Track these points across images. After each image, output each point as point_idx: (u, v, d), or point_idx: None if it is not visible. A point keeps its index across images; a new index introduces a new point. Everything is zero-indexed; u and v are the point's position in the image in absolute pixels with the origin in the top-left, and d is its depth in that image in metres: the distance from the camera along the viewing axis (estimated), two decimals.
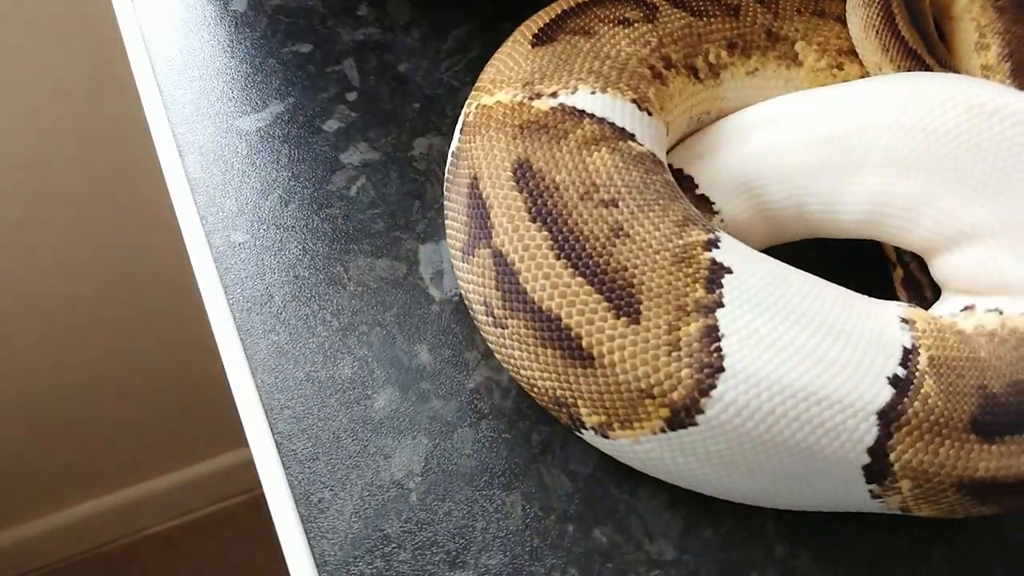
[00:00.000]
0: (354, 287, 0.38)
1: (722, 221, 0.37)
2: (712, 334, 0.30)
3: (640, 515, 0.34)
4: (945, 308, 0.35)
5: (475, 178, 0.34)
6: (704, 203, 0.37)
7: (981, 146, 0.33)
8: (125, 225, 0.96)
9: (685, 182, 0.38)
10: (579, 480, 0.34)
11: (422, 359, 0.36)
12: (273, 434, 0.34)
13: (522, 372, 0.33)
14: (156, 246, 0.96)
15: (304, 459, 0.34)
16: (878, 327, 0.32)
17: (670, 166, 0.38)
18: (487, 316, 0.34)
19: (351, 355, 0.36)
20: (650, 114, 0.36)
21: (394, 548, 0.32)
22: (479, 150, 0.34)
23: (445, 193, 0.36)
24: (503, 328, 0.33)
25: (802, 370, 0.30)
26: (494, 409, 0.36)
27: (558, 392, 0.32)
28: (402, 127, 0.43)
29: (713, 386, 0.30)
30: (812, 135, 0.36)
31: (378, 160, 0.42)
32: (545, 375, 0.32)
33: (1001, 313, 0.33)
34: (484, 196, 0.33)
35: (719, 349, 0.30)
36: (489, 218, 0.33)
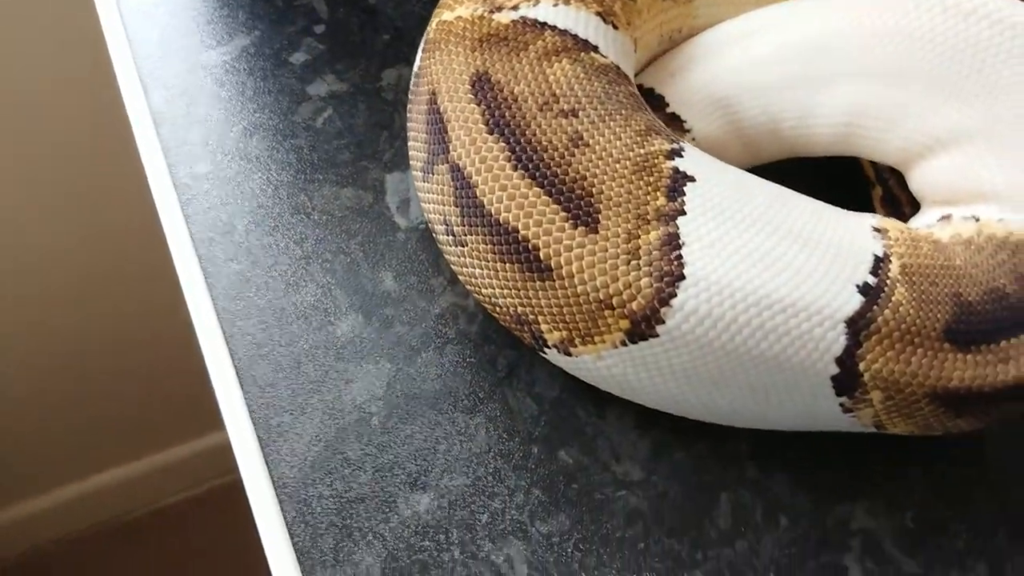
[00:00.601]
0: (318, 216, 0.37)
1: (694, 140, 0.36)
2: (673, 242, 0.29)
3: (607, 437, 0.33)
4: (922, 220, 0.33)
5: (433, 93, 0.33)
6: (675, 121, 0.36)
7: (958, 48, 0.32)
8: (92, 182, 0.92)
9: (656, 101, 0.37)
10: (545, 403, 0.34)
11: (387, 286, 0.36)
12: (233, 360, 0.33)
13: (483, 291, 0.33)
14: (125, 206, 0.93)
15: (264, 384, 0.33)
16: (848, 236, 0.31)
17: (640, 86, 0.37)
18: (448, 235, 0.33)
19: (314, 283, 0.36)
20: (616, 28, 0.34)
21: (354, 470, 0.32)
22: (438, 65, 0.33)
23: (407, 115, 0.35)
24: (463, 246, 0.32)
25: (766, 277, 0.29)
26: (459, 334, 0.35)
27: (519, 309, 0.32)
28: (371, 59, 0.42)
29: (673, 295, 0.29)
30: (784, 48, 0.35)
31: (346, 91, 0.41)
32: (505, 292, 0.31)
33: (978, 220, 0.31)
34: (442, 111, 0.32)
35: (680, 257, 0.29)
36: (447, 132, 0.32)
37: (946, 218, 0.32)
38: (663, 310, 0.29)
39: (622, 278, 0.29)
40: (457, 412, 0.33)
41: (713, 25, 0.38)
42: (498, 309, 0.33)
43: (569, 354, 0.32)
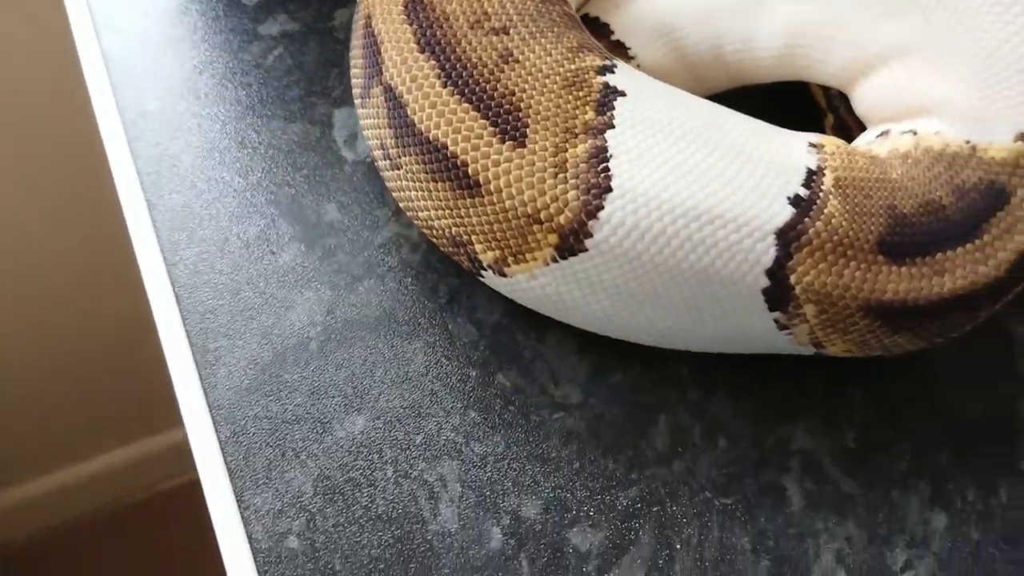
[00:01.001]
0: (265, 150, 0.37)
1: (638, 67, 0.36)
2: (600, 155, 0.29)
3: (546, 360, 0.33)
4: (863, 139, 0.33)
5: (368, 16, 0.33)
6: (619, 49, 0.36)
7: None
8: (44, 140, 0.88)
9: (601, 29, 0.36)
10: (485, 328, 0.33)
11: (331, 216, 0.36)
12: (173, 287, 0.33)
13: (420, 215, 0.32)
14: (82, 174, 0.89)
15: (203, 311, 0.33)
16: (783, 150, 0.30)
17: (586, 15, 0.37)
18: (385, 159, 0.33)
19: (258, 213, 0.36)
20: None
21: (290, 392, 0.32)
22: None
23: (350, 43, 0.35)
24: (398, 168, 0.32)
25: (695, 189, 0.29)
26: (401, 263, 0.35)
27: (453, 230, 0.31)
28: None
29: (600, 207, 0.29)
30: None
31: (297, 31, 0.41)
32: (439, 212, 0.31)
33: (915, 134, 0.31)
34: (376, 32, 0.32)
35: (607, 169, 0.29)
36: (380, 54, 0.32)
37: (884, 134, 0.32)
38: (590, 223, 0.29)
39: (549, 191, 0.29)
40: (396, 337, 0.33)
41: None
42: (435, 232, 0.32)
43: (504, 275, 0.31)
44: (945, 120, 0.30)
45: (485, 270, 0.32)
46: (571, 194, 0.29)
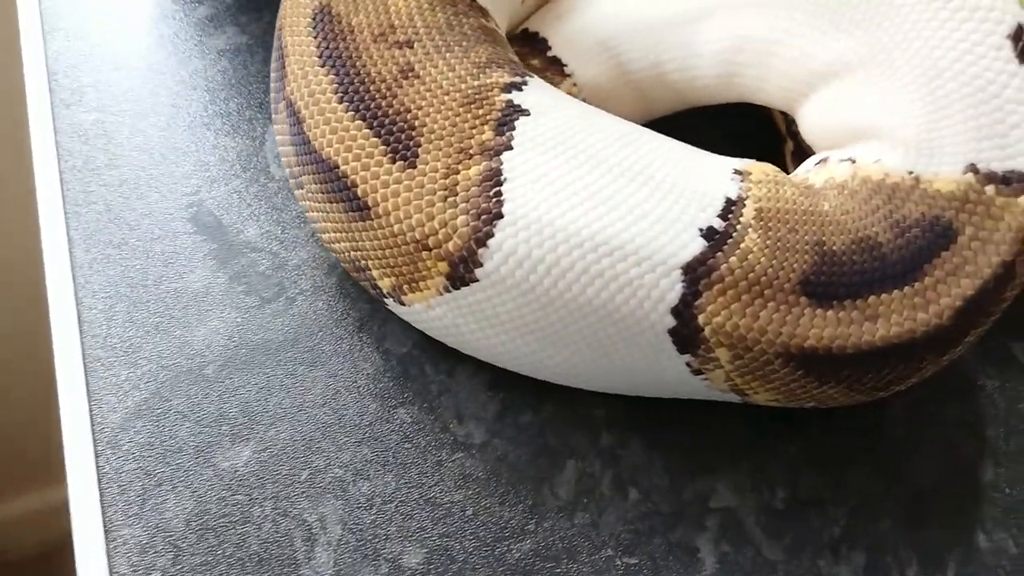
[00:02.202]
0: (194, 165, 0.36)
1: (575, 85, 0.34)
2: (493, 178, 0.27)
3: (454, 396, 0.31)
4: (803, 167, 0.30)
5: (280, 28, 0.31)
6: (555, 66, 0.34)
7: None
8: None
9: (539, 44, 0.34)
10: (392, 359, 0.31)
11: (249, 234, 0.34)
12: (78, 306, 0.32)
13: (324, 237, 0.31)
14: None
15: (100, 334, 0.32)
16: (701, 177, 0.28)
17: (526, 30, 0.35)
18: (291, 177, 0.31)
19: (177, 230, 0.34)
20: None
21: (177, 419, 0.30)
22: (288, 1, 0.32)
23: None
24: (301, 188, 0.30)
25: (594, 217, 0.26)
26: (314, 286, 0.33)
27: (352, 254, 0.30)
28: (275, 12, 0.41)
29: (490, 234, 0.26)
30: None
31: (245, 44, 0.40)
32: (338, 235, 0.30)
33: (854, 162, 0.28)
34: (284, 45, 0.31)
35: (499, 194, 0.27)
36: (285, 67, 0.30)
37: (823, 161, 0.29)
38: (480, 251, 0.27)
39: (438, 216, 0.27)
40: (297, 365, 0.31)
41: None
42: (339, 255, 0.31)
43: (403, 303, 0.29)
44: (887, 147, 0.27)
45: (386, 298, 0.30)
46: (460, 219, 0.27)
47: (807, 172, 0.29)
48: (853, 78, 0.28)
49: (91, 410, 0.30)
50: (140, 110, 0.38)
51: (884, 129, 0.27)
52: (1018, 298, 0.33)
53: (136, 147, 0.37)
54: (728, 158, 0.29)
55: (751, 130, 0.36)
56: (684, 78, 0.32)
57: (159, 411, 0.30)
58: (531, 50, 0.34)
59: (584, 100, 0.34)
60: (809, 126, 0.30)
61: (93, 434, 0.30)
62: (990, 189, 0.26)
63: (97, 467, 0.29)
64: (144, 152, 0.37)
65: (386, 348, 0.32)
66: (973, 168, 0.26)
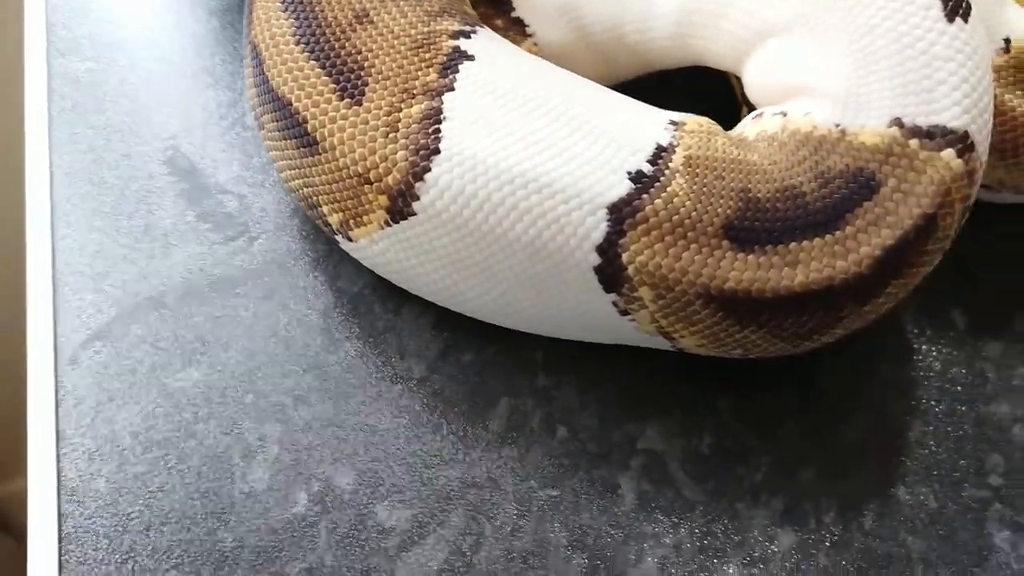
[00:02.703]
0: (171, 113, 0.38)
1: (536, 46, 0.35)
2: (434, 116, 0.28)
3: (398, 333, 0.32)
4: (742, 123, 0.31)
5: None
6: (518, 26, 0.35)
7: None
8: None
9: (504, 6, 0.35)
10: (344, 296, 0.33)
11: (219, 178, 0.36)
12: (53, 224, 0.34)
13: (282, 176, 0.32)
14: None
15: (73, 250, 0.34)
16: (635, 125, 0.29)
17: None
18: (255, 119, 0.33)
19: (149, 172, 0.36)
20: None
21: (135, 340, 0.32)
22: None
23: None
24: (262, 128, 0.32)
25: (525, 156, 0.27)
26: (276, 225, 0.34)
27: (305, 191, 0.31)
28: None
29: (428, 169, 0.28)
30: None
31: (236, 3, 0.42)
32: (293, 172, 0.31)
33: (785, 116, 0.29)
34: None
35: (438, 131, 0.28)
36: (252, 14, 0.32)
37: (758, 116, 0.30)
38: (417, 185, 0.28)
39: (379, 151, 0.28)
40: (252, 298, 0.33)
41: None
42: (296, 194, 0.32)
43: (351, 239, 0.31)
44: (818, 102, 0.28)
45: (337, 235, 0.31)
46: (400, 154, 0.28)
47: (743, 127, 0.30)
48: (790, 37, 0.29)
49: (55, 328, 0.32)
50: (130, 62, 0.40)
51: (816, 85, 0.28)
52: (955, 262, 0.33)
53: (123, 95, 0.39)
54: (668, 111, 0.30)
55: (717, 98, 0.36)
56: (642, 40, 0.33)
57: (119, 334, 0.32)
58: (496, 11, 0.35)
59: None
60: (750, 84, 0.31)
61: (55, 351, 0.31)
62: (914, 143, 0.27)
63: (56, 380, 0.31)
64: (130, 100, 0.38)
65: (339, 286, 0.33)
66: (898, 122, 0.27)
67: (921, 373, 0.31)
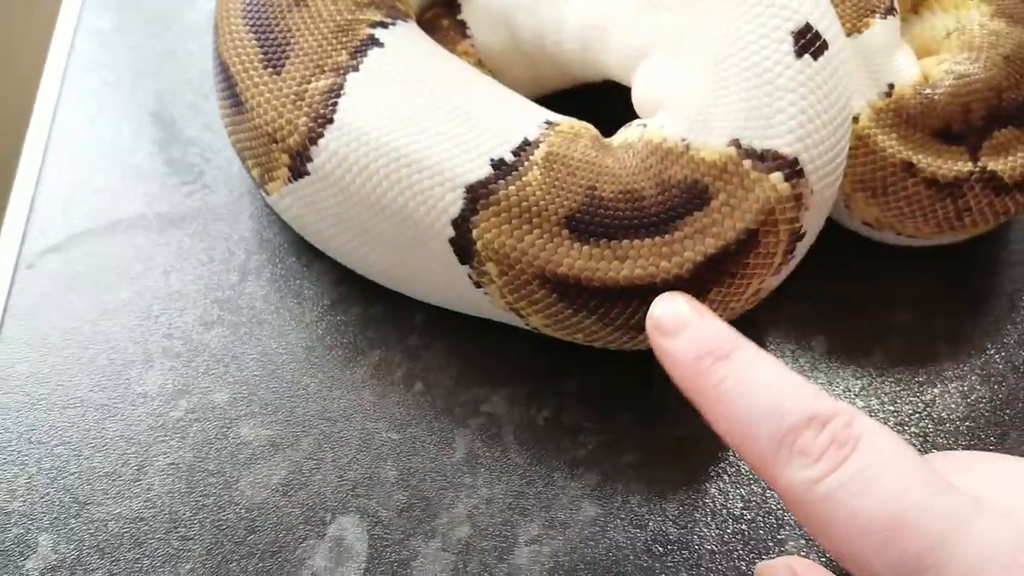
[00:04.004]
0: (169, 74, 0.43)
1: (473, 47, 0.39)
2: (335, 91, 0.32)
3: (302, 281, 0.36)
4: (619, 132, 0.33)
5: None
6: (460, 27, 0.39)
7: None
8: None
9: (453, 8, 0.39)
10: (265, 244, 0.37)
11: (189, 132, 0.41)
12: (46, 150, 0.40)
13: (226, 132, 0.37)
14: None
15: (64, 162, 0.39)
16: (511, 120, 0.32)
17: None
18: (213, 79, 0.38)
19: (137, 120, 0.42)
20: None
21: (84, 256, 0.37)
22: None
23: None
24: (216, 90, 0.37)
25: (403, 134, 0.31)
26: (227, 177, 0.39)
27: (237, 145, 0.36)
28: None
29: (321, 135, 0.32)
30: None
31: None
32: (229, 128, 0.36)
33: (645, 127, 0.31)
34: None
35: (335, 104, 0.32)
36: None
37: (628, 125, 0.32)
38: (311, 148, 0.32)
39: (286, 115, 0.32)
40: (190, 235, 0.37)
41: None
42: (234, 147, 0.37)
43: (267, 192, 0.35)
44: (673, 118, 0.31)
45: (260, 189, 0.36)
46: (301, 120, 0.32)
47: (617, 134, 0.33)
48: (658, 55, 0.32)
49: (24, 237, 0.37)
50: (145, 25, 0.46)
51: (675, 102, 0.31)
52: (824, 293, 0.35)
53: (132, 51, 0.44)
54: (549, 112, 0.33)
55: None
56: (558, 51, 0.37)
57: (74, 248, 0.37)
58: (446, 12, 0.39)
59: (480, 62, 0.39)
60: (633, 97, 0.33)
61: (18, 255, 0.37)
62: (747, 163, 0.29)
63: (12, 279, 0.36)
64: (137, 57, 0.44)
65: (263, 236, 0.37)
66: (736, 143, 0.29)
67: None
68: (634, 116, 0.34)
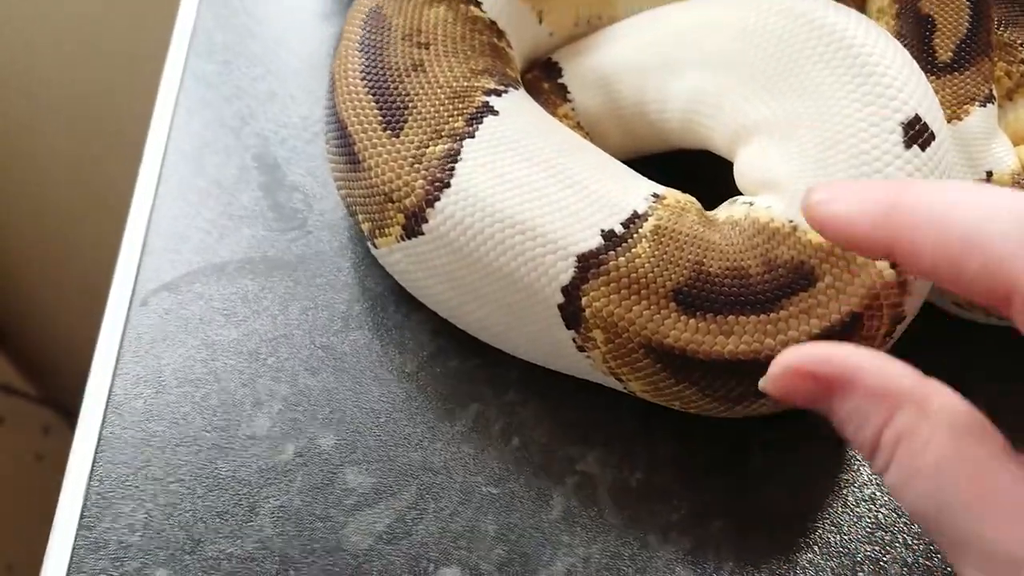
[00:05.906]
0: (272, 117, 0.45)
1: (573, 110, 0.40)
2: (452, 156, 0.34)
3: (402, 332, 0.37)
4: (721, 207, 0.35)
5: (348, 19, 0.40)
6: (561, 91, 0.40)
7: (780, 45, 0.33)
8: None
9: (554, 72, 0.41)
10: (367, 293, 0.39)
11: (293, 177, 0.43)
12: (157, 190, 0.42)
13: (336, 185, 0.38)
14: None
15: (168, 209, 0.41)
16: (621, 192, 0.33)
17: (550, 59, 0.42)
18: (324, 133, 0.39)
19: (241, 162, 0.43)
20: None
21: (194, 297, 0.38)
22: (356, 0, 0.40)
23: None
24: (327, 143, 0.38)
25: (518, 202, 0.32)
26: (330, 225, 0.41)
27: (348, 199, 0.37)
28: None
29: (438, 198, 0.33)
30: (657, 34, 0.38)
31: None
32: (340, 182, 0.37)
33: (751, 205, 0.32)
34: (342, 32, 0.39)
35: (452, 169, 0.33)
36: (338, 49, 0.38)
37: (732, 202, 0.33)
38: (428, 210, 0.33)
39: (403, 177, 0.34)
40: (293, 281, 0.39)
41: (632, 15, 0.41)
42: (342, 200, 0.38)
43: (376, 246, 0.37)
44: (780, 198, 0.32)
45: (368, 242, 0.37)
46: (419, 183, 0.34)
47: (720, 209, 0.34)
48: (771, 137, 0.33)
49: (137, 275, 0.39)
50: (248, 70, 0.48)
51: (782, 184, 0.32)
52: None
53: (236, 97, 0.46)
54: (654, 184, 0.34)
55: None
56: (659, 119, 0.38)
57: (183, 288, 0.39)
58: (546, 76, 0.41)
59: (578, 124, 0.40)
60: (737, 174, 0.35)
61: (132, 293, 0.39)
62: None
63: (127, 316, 0.38)
64: (241, 102, 0.46)
65: (365, 284, 0.39)
66: None
67: (849, 462, 0.34)
68: (721, 182, 0.35)
